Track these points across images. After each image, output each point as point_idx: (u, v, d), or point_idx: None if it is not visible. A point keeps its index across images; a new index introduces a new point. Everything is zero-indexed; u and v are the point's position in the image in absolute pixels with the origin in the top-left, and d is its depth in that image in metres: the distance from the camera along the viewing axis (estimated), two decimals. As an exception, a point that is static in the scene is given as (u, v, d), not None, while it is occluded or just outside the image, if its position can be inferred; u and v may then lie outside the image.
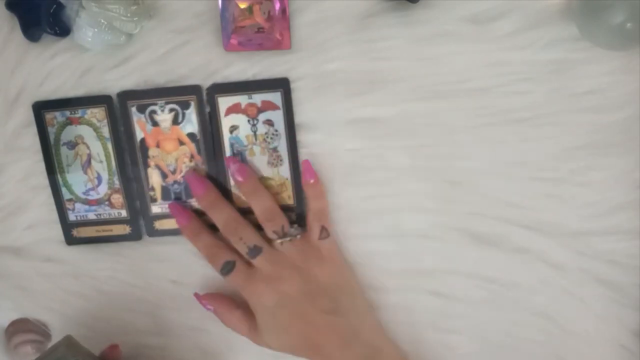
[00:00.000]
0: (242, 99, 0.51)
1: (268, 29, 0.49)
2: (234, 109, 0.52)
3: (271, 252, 0.50)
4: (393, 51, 0.50)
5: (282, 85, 0.51)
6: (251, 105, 0.51)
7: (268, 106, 0.51)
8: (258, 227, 0.52)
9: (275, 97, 0.51)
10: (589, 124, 0.50)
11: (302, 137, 0.52)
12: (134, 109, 0.52)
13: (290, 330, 0.50)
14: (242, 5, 0.49)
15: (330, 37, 0.50)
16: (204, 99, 0.52)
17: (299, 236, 0.51)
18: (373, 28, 0.49)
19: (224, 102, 0.51)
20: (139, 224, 0.55)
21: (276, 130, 0.52)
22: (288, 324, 0.50)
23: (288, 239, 0.50)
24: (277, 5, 0.49)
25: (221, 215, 0.51)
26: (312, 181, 0.51)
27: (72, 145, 0.54)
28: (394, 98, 0.50)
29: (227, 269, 0.51)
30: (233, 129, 0.52)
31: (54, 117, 0.53)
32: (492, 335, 0.53)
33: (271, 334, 0.51)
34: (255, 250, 0.50)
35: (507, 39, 0.49)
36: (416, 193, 0.52)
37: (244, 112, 0.52)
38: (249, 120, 0.52)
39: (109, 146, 0.53)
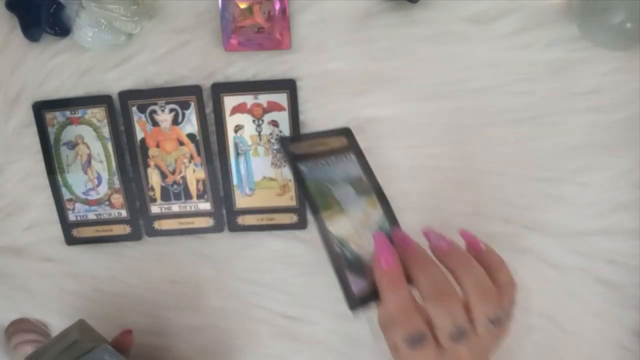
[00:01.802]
0: (248, 99, 0.51)
1: (268, 29, 0.49)
2: (239, 109, 0.52)
3: (476, 340, 0.38)
4: (393, 51, 0.50)
5: (288, 86, 0.51)
6: (257, 105, 0.51)
7: (274, 107, 0.51)
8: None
9: (281, 98, 0.51)
10: (589, 124, 0.50)
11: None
12: (134, 109, 0.52)
13: None
14: (242, 5, 0.49)
15: (330, 37, 0.50)
16: (206, 97, 0.52)
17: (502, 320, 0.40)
18: (373, 28, 0.50)
19: (230, 101, 0.52)
20: (139, 224, 0.55)
21: (281, 131, 0.52)
22: None
23: (493, 326, 0.39)
24: (277, 5, 0.49)
25: (434, 275, 0.39)
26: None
27: (72, 145, 0.54)
28: (394, 98, 0.50)
29: (415, 340, 0.37)
30: (238, 128, 0.52)
31: (54, 117, 0.53)
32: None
33: None
34: (461, 334, 0.37)
35: (507, 39, 0.49)
36: (416, 193, 0.52)
37: (249, 112, 0.52)
38: (254, 121, 0.52)
39: (109, 146, 0.53)
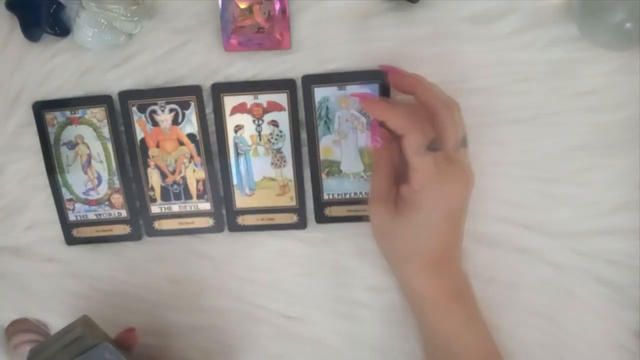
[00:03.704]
0: (248, 99, 0.51)
1: (268, 29, 0.49)
2: (239, 109, 0.52)
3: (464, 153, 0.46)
4: (393, 51, 0.50)
5: (288, 86, 0.51)
6: (257, 105, 0.51)
7: (274, 107, 0.51)
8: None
9: (282, 98, 0.51)
10: (589, 124, 0.50)
11: (302, 136, 0.52)
12: (134, 109, 0.52)
13: (434, 237, 0.46)
14: (242, 5, 0.49)
15: (330, 37, 0.50)
16: (206, 97, 0.52)
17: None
18: (373, 28, 0.49)
19: (230, 101, 0.52)
20: (139, 224, 0.55)
21: (281, 131, 0.52)
22: (443, 229, 0.46)
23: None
24: (277, 5, 0.49)
25: (437, 90, 0.46)
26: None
27: (72, 145, 0.54)
28: (394, 98, 0.50)
29: (435, 146, 0.43)
30: (238, 128, 0.52)
31: (54, 117, 0.53)
32: (492, 336, 0.53)
33: (419, 231, 0.46)
34: (464, 141, 0.46)
35: (507, 39, 0.49)
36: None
37: (249, 112, 0.52)
38: (254, 121, 0.52)
39: (109, 146, 0.53)
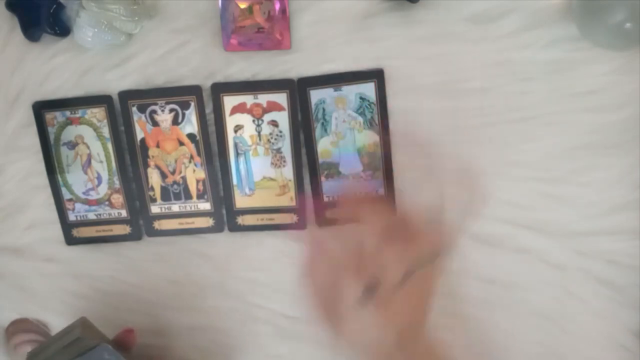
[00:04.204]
0: (247, 99, 0.51)
1: (268, 29, 0.49)
2: (239, 109, 0.52)
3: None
4: (393, 51, 0.50)
5: (288, 86, 0.51)
6: (257, 105, 0.51)
7: (273, 107, 0.51)
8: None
9: (281, 98, 0.51)
10: (589, 124, 0.50)
11: (302, 136, 0.52)
12: (134, 109, 0.52)
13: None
14: (242, 5, 0.49)
15: (330, 37, 0.50)
16: (206, 97, 0.52)
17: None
18: (373, 28, 0.50)
19: (230, 101, 0.52)
20: (139, 224, 0.55)
21: (281, 131, 0.52)
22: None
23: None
24: (277, 5, 0.49)
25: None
26: None
27: (72, 145, 0.54)
28: (394, 98, 0.50)
29: (367, 296, 0.41)
30: (237, 128, 0.52)
31: (54, 117, 0.53)
32: (492, 335, 0.53)
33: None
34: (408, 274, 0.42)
35: (507, 39, 0.49)
36: (416, 192, 0.52)
37: (249, 111, 0.52)
38: (253, 120, 0.52)
39: (109, 146, 0.53)
